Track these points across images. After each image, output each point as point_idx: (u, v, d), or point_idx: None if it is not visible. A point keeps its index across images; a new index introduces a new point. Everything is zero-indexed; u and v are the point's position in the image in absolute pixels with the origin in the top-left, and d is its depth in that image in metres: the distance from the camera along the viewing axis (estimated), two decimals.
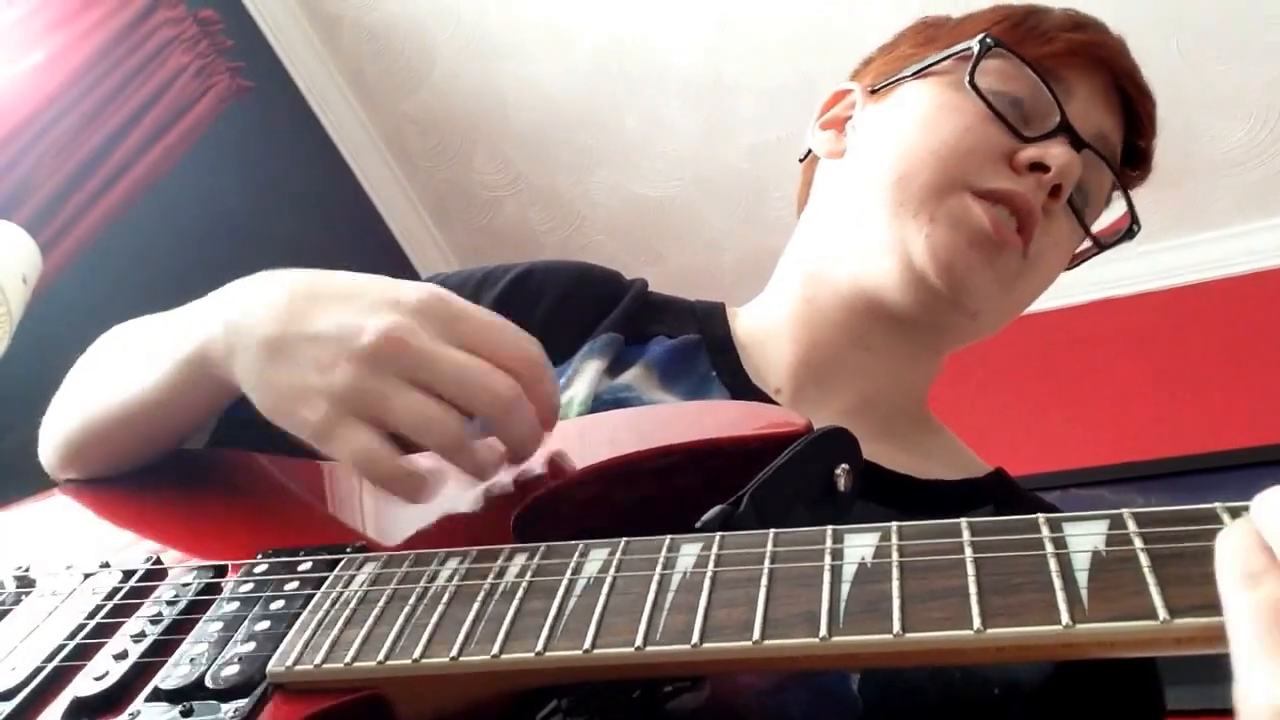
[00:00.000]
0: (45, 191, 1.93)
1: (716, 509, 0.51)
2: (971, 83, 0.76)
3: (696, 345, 0.80)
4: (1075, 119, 0.76)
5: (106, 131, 2.06)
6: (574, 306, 0.82)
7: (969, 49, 0.78)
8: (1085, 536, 0.41)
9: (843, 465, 0.55)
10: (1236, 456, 2.07)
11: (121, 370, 0.68)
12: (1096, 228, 0.83)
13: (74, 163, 1.99)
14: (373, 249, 2.88)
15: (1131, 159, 0.84)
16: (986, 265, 0.74)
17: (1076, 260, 0.84)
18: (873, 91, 0.84)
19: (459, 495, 0.56)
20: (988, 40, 0.77)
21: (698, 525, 0.50)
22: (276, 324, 0.56)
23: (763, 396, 0.78)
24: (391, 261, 2.89)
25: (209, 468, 0.71)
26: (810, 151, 0.89)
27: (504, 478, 0.57)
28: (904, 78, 0.82)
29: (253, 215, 2.51)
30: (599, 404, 0.73)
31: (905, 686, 0.61)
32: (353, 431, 0.52)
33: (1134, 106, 0.81)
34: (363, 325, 0.53)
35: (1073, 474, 2.18)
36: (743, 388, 0.78)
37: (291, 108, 2.70)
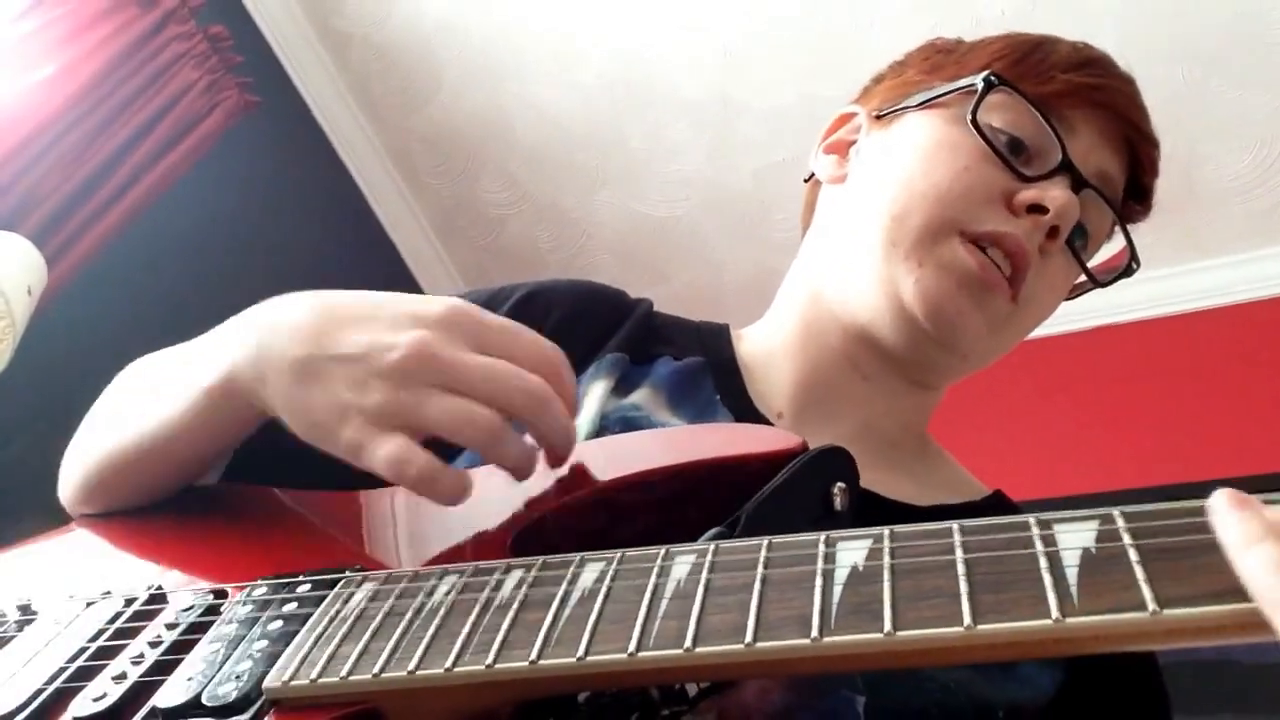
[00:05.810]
0: (52, 204, 1.94)
1: (712, 532, 0.51)
2: (973, 122, 0.76)
3: (701, 368, 0.80)
4: (1077, 157, 0.75)
5: (114, 145, 2.07)
6: (580, 326, 0.83)
7: (973, 85, 0.77)
8: (1075, 534, 0.42)
9: (839, 484, 0.56)
10: (1239, 485, 2.06)
11: (144, 403, 0.69)
12: (1098, 259, 0.83)
13: (81, 175, 2.00)
14: (378, 266, 2.89)
15: (1133, 196, 0.83)
16: (975, 309, 0.74)
17: (1074, 293, 0.84)
18: (878, 117, 0.84)
19: (460, 520, 0.57)
20: (991, 79, 0.76)
21: None
22: (304, 346, 0.57)
23: (764, 420, 0.78)
24: (396, 277, 2.90)
25: (220, 500, 0.72)
26: (814, 174, 0.90)
27: (503, 503, 0.57)
28: (908, 107, 0.82)
29: (259, 230, 2.52)
30: (606, 424, 0.73)
31: (911, 710, 0.61)
32: (386, 439, 0.52)
33: (1136, 150, 0.81)
34: (391, 342, 0.54)
35: (1074, 500, 2.17)
36: (746, 411, 0.78)
37: (299, 124, 2.71)
